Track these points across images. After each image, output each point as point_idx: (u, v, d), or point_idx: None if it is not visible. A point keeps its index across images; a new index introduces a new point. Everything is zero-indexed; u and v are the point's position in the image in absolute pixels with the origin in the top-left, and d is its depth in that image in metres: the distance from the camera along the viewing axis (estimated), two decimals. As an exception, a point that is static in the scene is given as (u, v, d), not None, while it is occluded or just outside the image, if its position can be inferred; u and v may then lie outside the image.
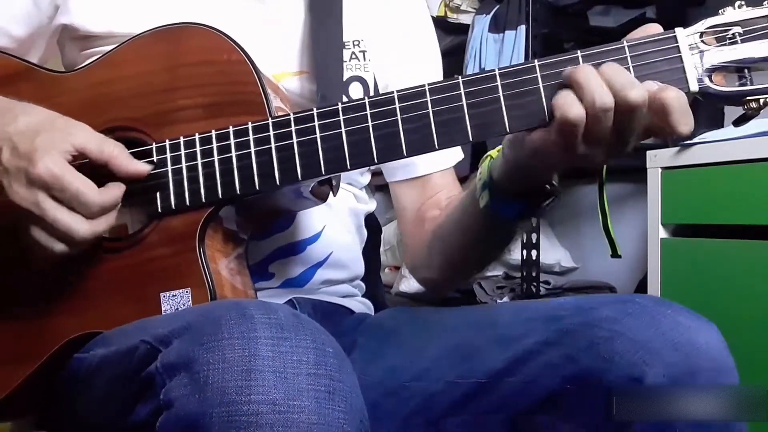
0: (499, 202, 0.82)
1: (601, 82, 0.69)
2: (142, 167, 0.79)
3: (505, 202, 0.82)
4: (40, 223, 0.74)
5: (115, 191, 0.77)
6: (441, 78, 1.05)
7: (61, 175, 0.73)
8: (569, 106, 0.70)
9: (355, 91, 0.97)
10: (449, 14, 2.52)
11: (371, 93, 0.98)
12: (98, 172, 0.77)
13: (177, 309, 0.77)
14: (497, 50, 2.26)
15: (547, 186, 0.81)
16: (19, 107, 0.79)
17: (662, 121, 0.69)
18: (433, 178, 1.04)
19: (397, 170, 1.04)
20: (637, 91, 0.68)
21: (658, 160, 1.59)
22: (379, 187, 1.12)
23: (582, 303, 0.77)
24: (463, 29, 2.45)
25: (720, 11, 0.72)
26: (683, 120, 0.69)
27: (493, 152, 0.84)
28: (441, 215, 0.98)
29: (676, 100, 0.69)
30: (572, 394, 0.72)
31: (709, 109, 1.91)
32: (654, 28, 0.73)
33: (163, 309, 0.77)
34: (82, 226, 0.75)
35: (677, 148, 1.58)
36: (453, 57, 2.38)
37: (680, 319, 0.71)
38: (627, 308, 0.73)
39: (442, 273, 1.01)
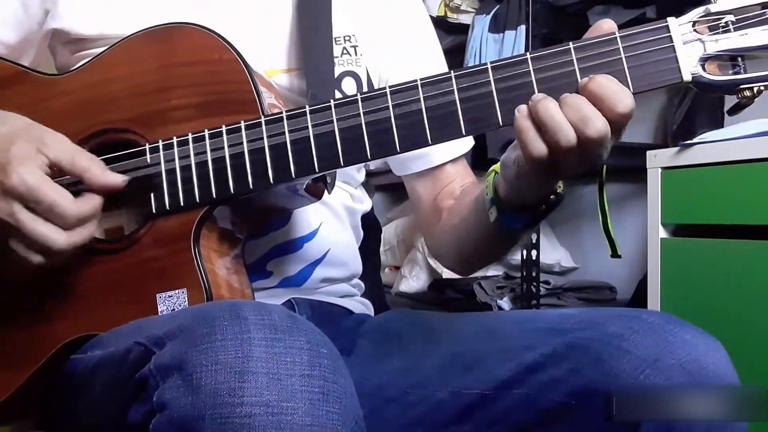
0: (507, 216, 0.82)
1: (562, 117, 0.69)
2: (114, 179, 0.77)
3: (512, 215, 0.82)
4: (17, 235, 0.73)
5: (92, 201, 0.76)
6: (444, 66, 1.05)
7: (35, 186, 0.72)
8: (531, 142, 0.70)
9: (348, 86, 0.97)
10: (449, 14, 2.51)
11: (364, 87, 0.98)
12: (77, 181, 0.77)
13: (173, 310, 0.77)
14: (497, 50, 2.26)
15: (552, 196, 0.81)
16: None
17: (601, 109, 0.69)
18: (446, 168, 1.04)
19: (410, 163, 1.04)
20: (597, 124, 0.68)
21: (658, 160, 1.59)
22: (379, 187, 1.12)
23: (589, 316, 0.77)
24: (463, 29, 2.45)
25: (713, 0, 0.72)
26: (618, 99, 0.69)
27: (497, 167, 0.83)
28: (455, 213, 0.98)
29: (599, 86, 0.69)
30: (576, 408, 0.72)
31: (708, 109, 1.90)
32: (607, 25, 0.73)
33: (159, 310, 0.77)
34: (58, 238, 0.74)
35: (677, 148, 1.58)
36: (453, 57, 2.37)
37: (687, 338, 0.71)
38: (634, 324, 0.72)
39: (462, 267, 1.03)
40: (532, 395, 0.75)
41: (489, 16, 2.34)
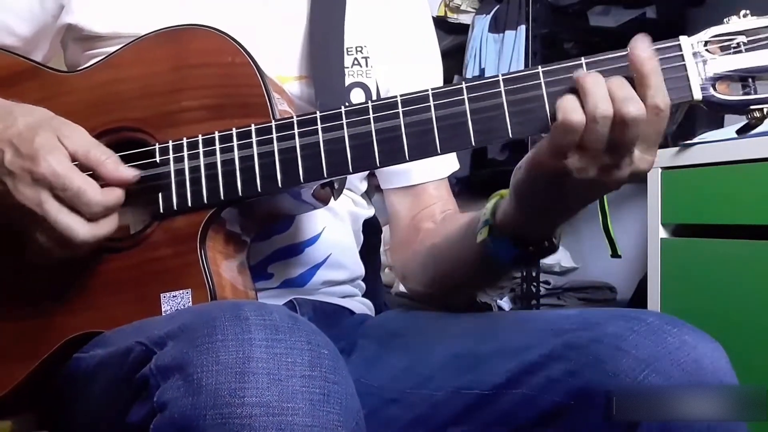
0: (496, 242, 0.81)
1: (606, 91, 0.69)
2: (127, 173, 0.78)
3: (501, 243, 0.81)
4: (42, 225, 0.74)
5: (115, 192, 0.77)
6: (441, 82, 1.05)
7: (63, 173, 0.73)
8: (572, 110, 0.69)
9: (357, 98, 0.97)
10: (449, 14, 2.52)
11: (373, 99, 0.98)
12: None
13: (177, 310, 0.77)
14: (497, 50, 2.26)
15: (546, 243, 0.80)
16: (19, 109, 0.79)
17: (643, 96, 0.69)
18: (428, 189, 1.03)
19: (391, 177, 1.04)
20: (636, 106, 0.68)
21: (658, 160, 1.59)
22: (378, 188, 1.12)
23: (588, 317, 0.77)
24: (463, 29, 2.46)
25: (725, 20, 0.72)
26: (660, 91, 0.69)
27: (504, 191, 0.83)
28: (437, 233, 0.97)
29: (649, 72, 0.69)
30: (575, 409, 0.72)
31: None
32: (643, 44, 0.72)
33: (163, 309, 0.77)
34: (82, 229, 0.74)
35: (677, 148, 1.58)
36: (453, 57, 2.38)
37: (686, 338, 0.71)
38: (633, 325, 0.72)
39: (431, 289, 1.01)
40: (531, 395, 0.75)
41: (489, 16, 2.34)
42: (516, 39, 2.22)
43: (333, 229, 0.97)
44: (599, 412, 0.69)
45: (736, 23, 0.71)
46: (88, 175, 0.76)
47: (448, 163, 1.04)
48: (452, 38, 2.53)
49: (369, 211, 1.07)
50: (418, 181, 1.02)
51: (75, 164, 0.76)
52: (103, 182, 0.77)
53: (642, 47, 0.70)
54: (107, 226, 0.76)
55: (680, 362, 0.69)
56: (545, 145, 0.72)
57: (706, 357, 0.70)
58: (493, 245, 0.81)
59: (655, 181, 1.62)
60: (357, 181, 1.02)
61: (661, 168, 1.61)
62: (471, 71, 2.38)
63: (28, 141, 0.74)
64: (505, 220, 0.80)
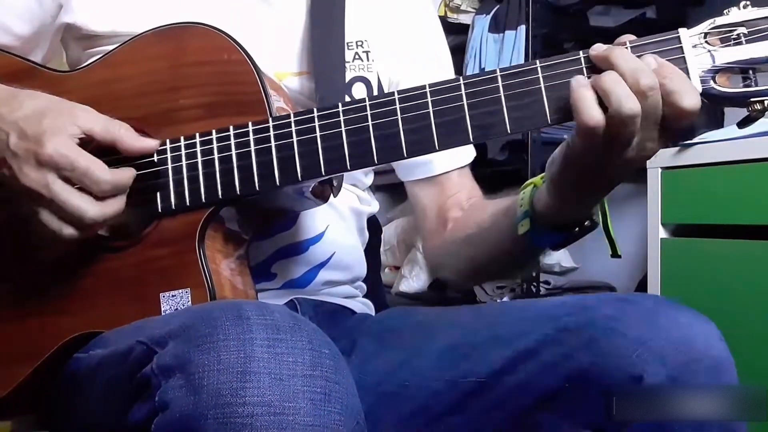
0: (538, 233, 0.81)
1: (628, 89, 0.67)
2: (149, 143, 0.79)
3: (544, 232, 0.81)
4: (50, 206, 0.74)
5: (127, 171, 0.77)
6: (451, 72, 1.05)
7: (69, 154, 0.74)
8: (588, 110, 0.68)
9: (359, 92, 0.97)
10: (449, 14, 2.52)
11: (375, 93, 0.98)
12: (107, 156, 0.78)
13: (176, 309, 0.77)
14: (497, 50, 2.27)
15: (587, 222, 0.80)
16: (24, 94, 0.79)
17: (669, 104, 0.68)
18: (452, 177, 1.03)
19: (413, 169, 1.03)
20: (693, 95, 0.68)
21: (658, 160, 1.60)
22: (378, 187, 1.12)
23: (581, 301, 0.77)
24: (463, 29, 2.46)
25: (725, 11, 0.71)
26: (685, 91, 0.68)
27: (537, 179, 0.83)
28: (469, 222, 0.97)
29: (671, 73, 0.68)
30: (571, 392, 0.72)
31: (709, 109, 1.91)
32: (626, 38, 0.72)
33: (162, 309, 0.77)
34: (91, 208, 0.75)
35: (677, 148, 1.58)
36: (453, 57, 2.37)
37: (679, 317, 0.71)
38: (626, 307, 0.73)
39: (464, 277, 1.02)
40: (527, 381, 0.75)
41: (489, 16, 2.35)
42: (516, 39, 2.22)
43: (337, 227, 0.97)
44: (595, 394, 0.70)
45: (736, 14, 0.71)
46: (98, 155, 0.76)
47: (469, 150, 1.05)
48: (452, 38, 2.53)
49: (373, 207, 1.06)
50: (442, 170, 1.02)
51: (94, 147, 0.76)
52: (114, 163, 0.77)
53: (597, 48, 0.70)
54: (115, 205, 0.77)
55: (673, 340, 0.69)
56: (577, 147, 0.71)
57: (700, 335, 0.70)
58: (536, 235, 0.81)
59: (655, 181, 1.62)
60: (361, 176, 1.02)
61: (661, 168, 1.61)
62: (471, 71, 2.39)
63: (35, 122, 0.75)
64: (545, 211, 0.80)
